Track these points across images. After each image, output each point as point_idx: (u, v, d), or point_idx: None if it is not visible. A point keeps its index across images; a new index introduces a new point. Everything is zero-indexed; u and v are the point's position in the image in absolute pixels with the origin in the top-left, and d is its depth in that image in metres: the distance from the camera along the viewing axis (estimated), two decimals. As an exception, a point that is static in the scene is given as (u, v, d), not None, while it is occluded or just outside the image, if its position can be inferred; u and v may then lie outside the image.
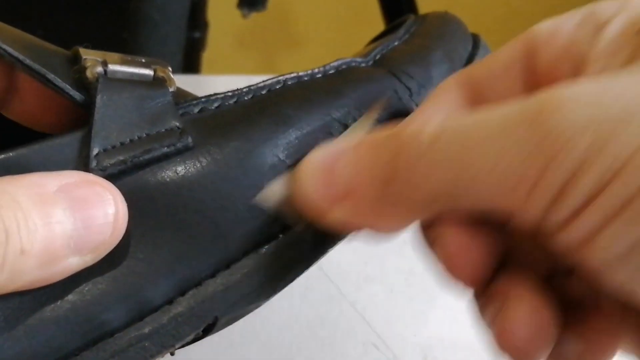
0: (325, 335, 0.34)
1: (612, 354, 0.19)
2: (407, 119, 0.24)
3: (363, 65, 0.27)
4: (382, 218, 0.19)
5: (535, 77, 0.21)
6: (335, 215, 0.19)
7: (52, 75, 0.20)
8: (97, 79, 0.21)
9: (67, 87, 0.21)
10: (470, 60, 0.28)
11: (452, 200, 0.18)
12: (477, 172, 0.17)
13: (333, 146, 0.20)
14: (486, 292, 0.19)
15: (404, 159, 0.18)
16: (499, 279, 0.19)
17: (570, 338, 0.19)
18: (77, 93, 0.21)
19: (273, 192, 0.22)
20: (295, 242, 0.22)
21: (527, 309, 0.18)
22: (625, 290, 0.16)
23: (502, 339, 0.18)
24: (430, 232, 0.19)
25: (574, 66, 0.20)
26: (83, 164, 0.20)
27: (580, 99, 0.16)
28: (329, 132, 0.24)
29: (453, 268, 0.19)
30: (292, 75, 0.25)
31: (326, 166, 0.20)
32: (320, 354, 0.33)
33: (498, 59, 0.22)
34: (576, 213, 0.16)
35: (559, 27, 0.20)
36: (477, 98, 0.22)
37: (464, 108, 0.22)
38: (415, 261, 0.38)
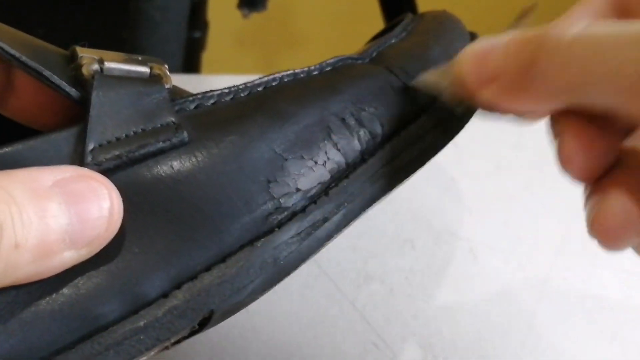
0: (325, 334, 0.34)
1: None
2: (555, 21, 0.26)
3: (360, 62, 0.27)
4: (519, 101, 0.22)
5: None
6: (483, 96, 0.22)
7: (48, 72, 0.20)
8: (93, 76, 0.21)
9: (63, 84, 0.21)
10: (468, 57, 0.28)
11: (578, 95, 0.20)
12: (603, 75, 0.19)
13: (490, 39, 0.23)
14: (593, 187, 0.22)
15: (545, 52, 0.20)
16: (605, 178, 0.21)
17: None
18: (73, 90, 0.21)
19: (431, 76, 0.25)
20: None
21: (622, 203, 0.20)
22: None
23: (595, 224, 0.21)
24: (556, 127, 0.22)
25: None
26: (78, 159, 0.20)
27: None
28: (326, 126, 0.24)
29: (569, 163, 0.21)
30: (289, 72, 0.25)
31: (480, 54, 0.23)
32: (320, 353, 0.33)
33: None
34: None
35: None
36: (623, 10, 0.24)
37: (609, 18, 0.24)
38: (415, 260, 0.38)
